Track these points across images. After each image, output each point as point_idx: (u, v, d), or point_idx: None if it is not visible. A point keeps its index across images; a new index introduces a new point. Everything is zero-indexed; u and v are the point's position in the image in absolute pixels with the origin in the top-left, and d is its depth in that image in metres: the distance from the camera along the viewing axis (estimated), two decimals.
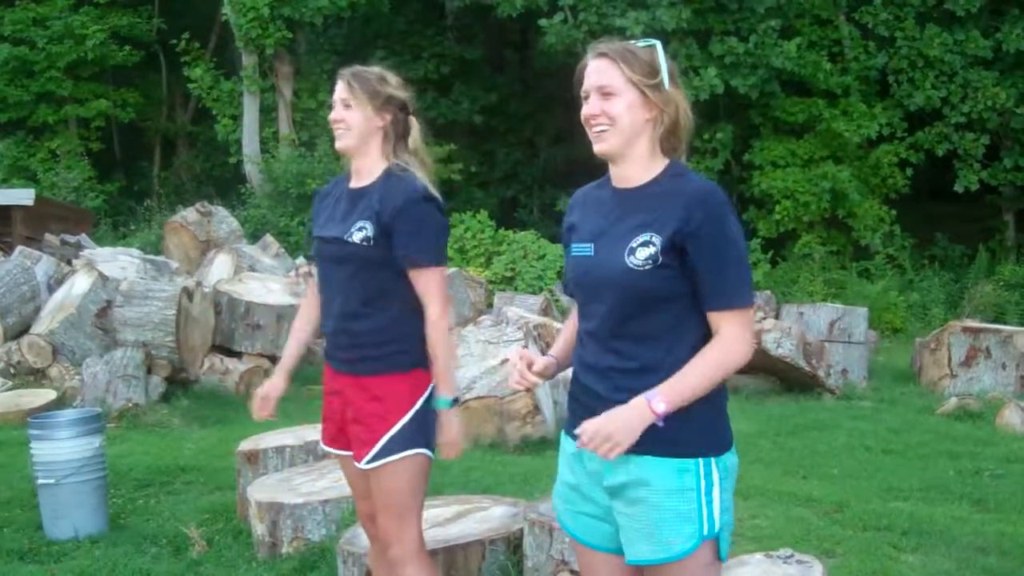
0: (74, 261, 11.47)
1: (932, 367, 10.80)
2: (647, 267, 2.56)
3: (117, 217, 21.88)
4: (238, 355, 10.06)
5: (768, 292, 14.70)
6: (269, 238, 14.29)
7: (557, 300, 16.07)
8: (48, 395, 8.85)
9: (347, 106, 3.45)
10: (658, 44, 2.68)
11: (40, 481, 5.59)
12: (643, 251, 2.57)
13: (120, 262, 10.98)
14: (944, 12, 19.05)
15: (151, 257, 12.03)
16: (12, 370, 9.53)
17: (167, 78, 26.04)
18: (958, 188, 19.27)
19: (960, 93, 18.85)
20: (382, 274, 3.41)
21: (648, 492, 2.57)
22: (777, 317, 11.51)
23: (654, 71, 2.65)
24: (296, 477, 5.55)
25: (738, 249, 2.60)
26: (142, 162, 26.38)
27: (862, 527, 5.82)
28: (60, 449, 5.56)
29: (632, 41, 2.70)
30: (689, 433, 2.57)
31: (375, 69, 3.53)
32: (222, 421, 8.83)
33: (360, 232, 3.39)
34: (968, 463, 7.49)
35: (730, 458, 2.65)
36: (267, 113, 21.94)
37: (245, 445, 6.03)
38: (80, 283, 9.79)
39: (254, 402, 3.72)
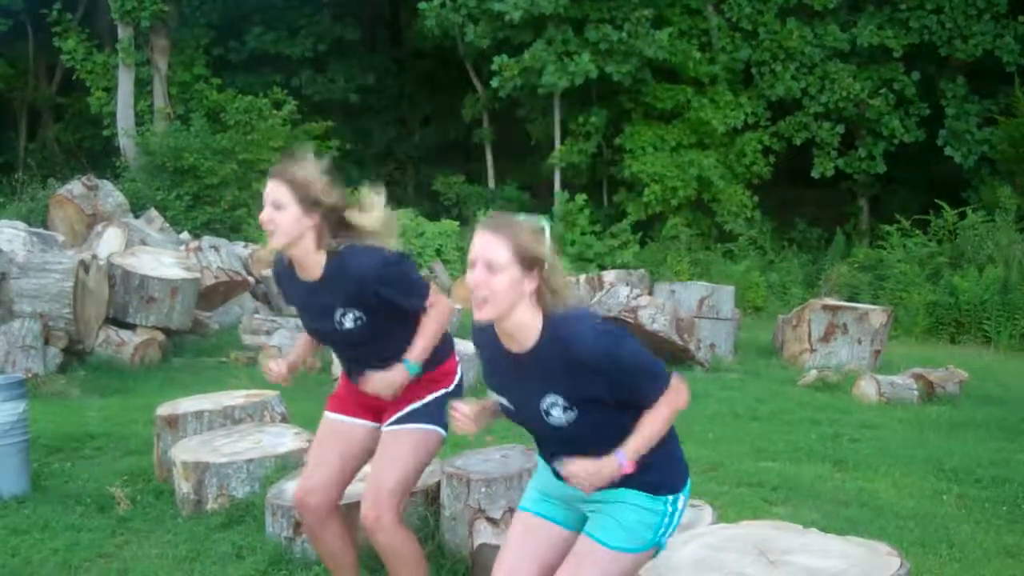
0: None
1: (793, 342, 11.37)
2: (571, 422, 2.88)
3: None
4: (132, 327, 10.16)
5: (643, 271, 15.25)
6: (154, 212, 14.28)
7: (436, 278, 16.43)
8: None
9: (277, 207, 3.56)
10: (547, 226, 2.84)
11: None
12: (556, 411, 2.87)
13: (5, 235, 10.92)
14: (804, 7, 19.88)
15: (37, 230, 11.97)
16: None
17: (33, 47, 25.33)
18: (815, 175, 20.14)
19: (818, 84, 19.71)
20: (386, 321, 3.69)
21: (624, 501, 3.03)
22: (651, 294, 11.99)
23: (538, 251, 2.78)
24: (217, 439, 5.83)
25: (641, 367, 2.88)
26: (8, 132, 25.65)
27: (736, 483, 6.40)
28: None
29: (521, 217, 2.83)
30: (661, 479, 3.04)
31: (305, 170, 3.59)
32: (121, 391, 8.97)
33: (348, 318, 3.65)
34: (828, 428, 8.11)
35: (688, 484, 3.15)
36: (142, 86, 21.60)
37: (163, 410, 6.25)
38: None
39: (269, 364, 3.89)
